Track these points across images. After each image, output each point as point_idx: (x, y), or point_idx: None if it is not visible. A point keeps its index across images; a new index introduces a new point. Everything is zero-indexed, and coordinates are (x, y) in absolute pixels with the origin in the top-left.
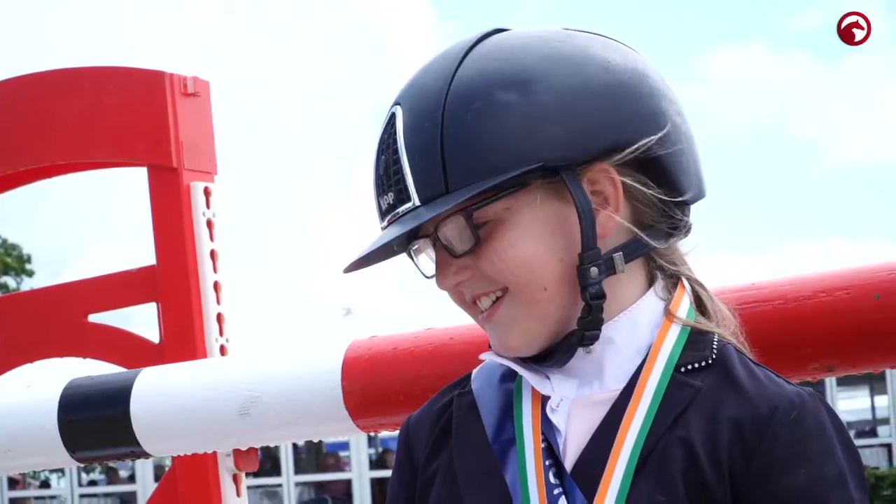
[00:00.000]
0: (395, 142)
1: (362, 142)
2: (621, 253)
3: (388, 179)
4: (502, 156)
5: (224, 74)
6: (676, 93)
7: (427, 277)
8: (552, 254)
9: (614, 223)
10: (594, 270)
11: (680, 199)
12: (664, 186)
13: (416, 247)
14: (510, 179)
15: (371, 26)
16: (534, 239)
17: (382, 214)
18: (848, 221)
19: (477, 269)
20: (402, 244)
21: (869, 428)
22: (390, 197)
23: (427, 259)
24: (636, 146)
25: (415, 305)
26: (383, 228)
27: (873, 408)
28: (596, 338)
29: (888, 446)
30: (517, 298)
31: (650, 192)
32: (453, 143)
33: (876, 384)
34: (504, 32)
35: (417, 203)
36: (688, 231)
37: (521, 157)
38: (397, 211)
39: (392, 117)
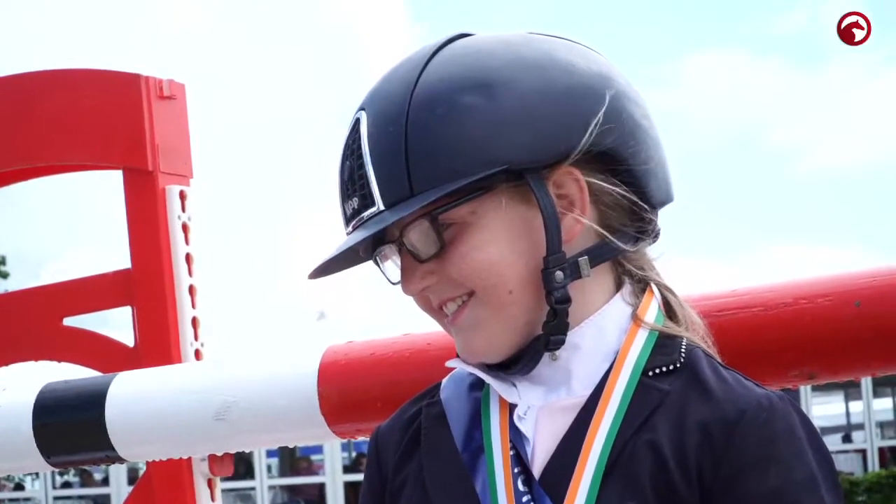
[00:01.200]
0: (359, 147)
1: (337, 144)
2: (587, 257)
3: (352, 185)
4: (466, 159)
5: (199, 78)
6: (643, 96)
7: (393, 284)
8: (517, 257)
9: (580, 226)
10: (559, 274)
11: (647, 202)
12: (631, 188)
13: (381, 253)
14: (474, 182)
15: (346, 28)
16: (499, 242)
17: (347, 220)
18: (823, 227)
19: (442, 273)
20: (367, 250)
21: (844, 433)
22: (355, 202)
23: (393, 265)
24: (604, 158)
25: (389, 310)
26: (348, 234)
27: (848, 413)
28: (562, 342)
29: (863, 452)
30: (483, 302)
31: (617, 193)
32: (417, 146)
33: (850, 390)
34: (468, 37)
35: (382, 207)
36: (656, 236)
37: (484, 161)
38: (362, 216)
39: (356, 122)
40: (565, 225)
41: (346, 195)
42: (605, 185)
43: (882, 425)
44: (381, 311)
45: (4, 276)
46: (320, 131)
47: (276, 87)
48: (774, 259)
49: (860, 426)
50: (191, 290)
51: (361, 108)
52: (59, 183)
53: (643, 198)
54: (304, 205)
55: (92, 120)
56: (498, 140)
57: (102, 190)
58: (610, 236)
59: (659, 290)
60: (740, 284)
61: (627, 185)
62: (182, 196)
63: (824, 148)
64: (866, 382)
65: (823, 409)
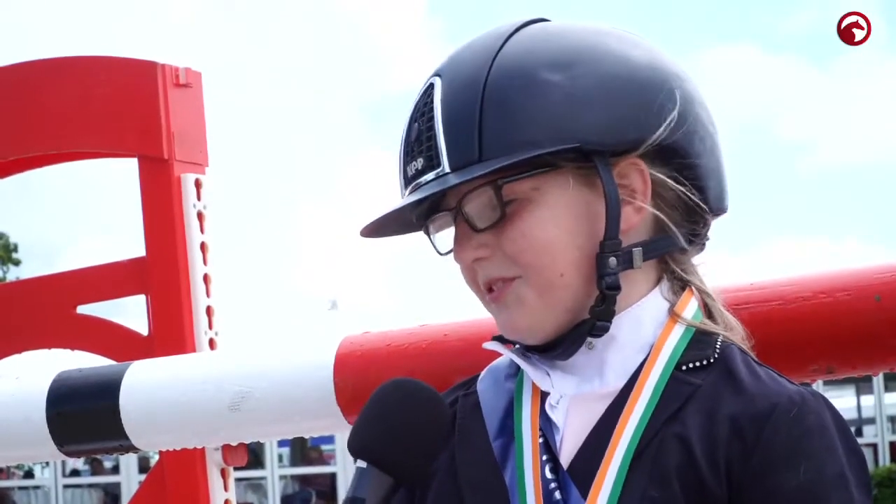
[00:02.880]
0: (430, 109)
1: (351, 135)
2: (641, 249)
3: (419, 145)
4: (540, 132)
5: (215, 66)
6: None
7: (441, 254)
8: (573, 240)
9: (639, 219)
10: (612, 260)
11: (705, 203)
12: (692, 188)
13: (434, 222)
14: (543, 155)
15: (361, 19)
16: (558, 222)
17: (408, 181)
18: (832, 221)
19: (497, 247)
20: (421, 216)
21: (855, 428)
22: (419, 163)
23: (443, 236)
24: (672, 154)
25: (400, 300)
26: (410, 193)
27: (859, 408)
28: (606, 329)
29: (874, 446)
30: (531, 282)
31: (679, 190)
32: (492, 113)
33: (862, 384)
34: (547, 22)
35: (447, 169)
36: (703, 246)
37: (557, 136)
38: (424, 177)
39: (430, 87)
40: (624, 214)
41: (409, 156)
42: (668, 181)
43: (893, 420)
44: (392, 301)
45: (16, 263)
46: (335, 122)
47: (291, 78)
48: (783, 252)
49: (871, 420)
50: (205, 278)
51: (436, 74)
52: (75, 170)
53: (702, 200)
54: (318, 194)
55: (107, 107)
56: (573, 118)
57: (118, 178)
58: (672, 229)
59: (699, 294)
60: (756, 278)
61: (689, 184)
62: (197, 184)
63: (835, 143)
64: (878, 377)
65: (835, 403)
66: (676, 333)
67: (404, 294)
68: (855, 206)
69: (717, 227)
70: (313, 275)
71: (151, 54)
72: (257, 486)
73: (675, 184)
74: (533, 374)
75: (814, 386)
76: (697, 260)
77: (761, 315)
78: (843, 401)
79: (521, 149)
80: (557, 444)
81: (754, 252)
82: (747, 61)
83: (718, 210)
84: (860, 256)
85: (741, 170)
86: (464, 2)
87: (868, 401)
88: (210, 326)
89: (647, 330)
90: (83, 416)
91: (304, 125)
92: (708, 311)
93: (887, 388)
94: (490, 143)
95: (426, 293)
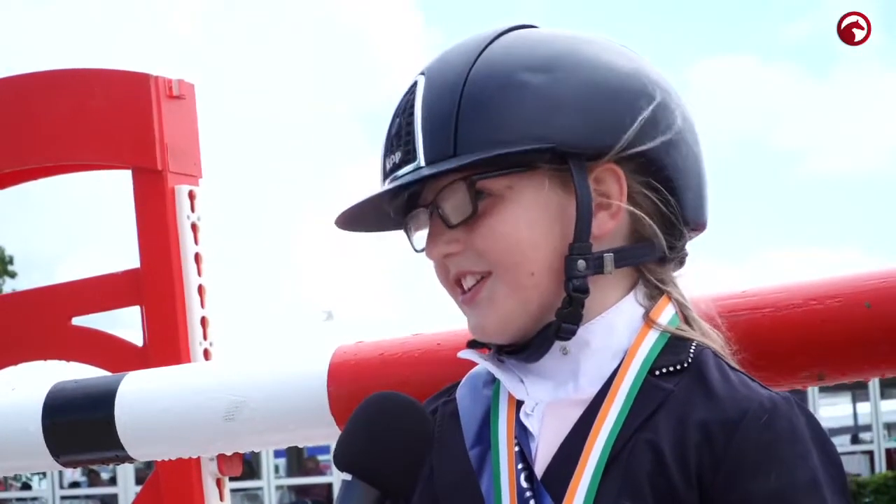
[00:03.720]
0: (412, 105)
1: (348, 146)
2: (612, 255)
3: (398, 139)
4: (515, 131)
5: (208, 79)
6: (697, 123)
7: (417, 251)
8: (545, 240)
9: (613, 224)
10: (581, 263)
11: (682, 215)
12: (669, 198)
13: (413, 220)
14: (518, 153)
15: (358, 31)
16: (530, 222)
17: (385, 175)
18: (827, 230)
19: (468, 243)
20: (399, 211)
21: (851, 435)
22: (396, 156)
23: (421, 235)
24: (648, 161)
25: (396, 310)
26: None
27: (855, 415)
28: (573, 332)
29: (870, 453)
30: (501, 280)
31: (654, 198)
32: (469, 109)
33: (858, 391)
34: (532, 28)
35: (422, 163)
36: (682, 260)
37: (532, 136)
38: (401, 171)
39: (414, 84)
40: (598, 220)
41: (389, 150)
42: (643, 189)
43: (889, 426)
44: (387, 312)
45: (12, 275)
46: (331, 133)
47: (287, 89)
48: (779, 260)
49: (868, 427)
50: (200, 289)
51: (421, 73)
52: (70, 183)
53: (679, 211)
54: (312, 205)
55: (101, 120)
56: (549, 119)
57: (112, 190)
58: (648, 236)
59: (676, 303)
60: (748, 286)
61: (664, 196)
62: (191, 196)
63: (830, 151)
64: (874, 383)
65: (831, 410)
66: (651, 339)
67: (400, 305)
68: (853, 214)
69: (712, 237)
70: (309, 286)
71: (148, 66)
72: (254, 497)
73: (651, 192)
74: (507, 382)
75: (809, 393)
76: (678, 272)
77: (752, 322)
78: (839, 408)
79: (496, 146)
80: (533, 452)
81: (751, 261)
82: (745, 71)
83: (696, 224)
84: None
85: (738, 179)
86: (461, 13)
87: (864, 408)
88: (205, 337)
89: (620, 335)
90: (79, 426)
91: (302, 135)
92: (685, 320)
93: (883, 395)
94: (465, 139)
95: (422, 304)
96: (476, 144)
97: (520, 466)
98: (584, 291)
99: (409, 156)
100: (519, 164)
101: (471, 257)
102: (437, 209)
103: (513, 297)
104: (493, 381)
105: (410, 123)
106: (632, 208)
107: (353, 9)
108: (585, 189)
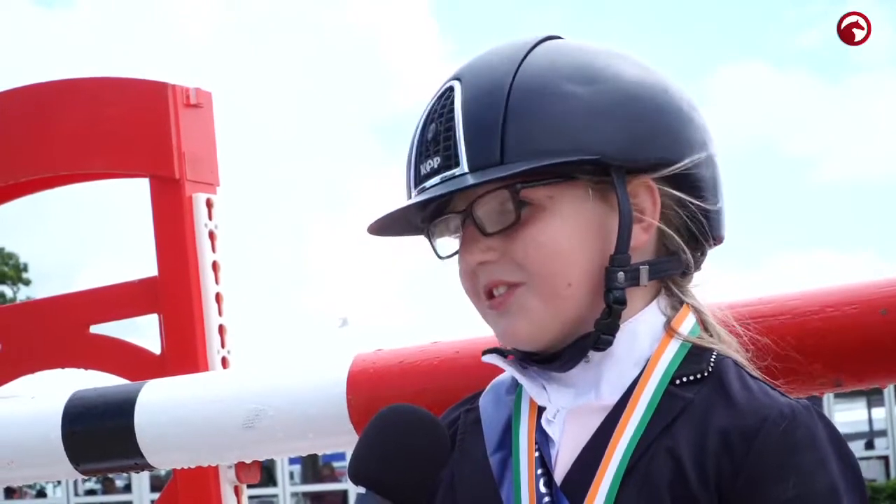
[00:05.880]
0: (451, 111)
1: (362, 155)
2: (648, 267)
3: (435, 145)
4: (562, 141)
5: (225, 87)
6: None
7: (441, 258)
8: (583, 252)
9: (646, 238)
10: (621, 275)
11: (709, 229)
12: (698, 213)
13: (438, 225)
14: (563, 164)
15: (372, 39)
16: (570, 233)
17: (420, 180)
18: (841, 235)
19: (505, 252)
20: (426, 218)
21: (866, 440)
22: (435, 161)
23: (446, 241)
24: (683, 162)
25: (411, 317)
26: (418, 193)
27: (870, 420)
28: (610, 342)
29: (885, 458)
30: (536, 290)
31: (686, 216)
32: (516, 118)
33: (873, 397)
34: (563, 39)
35: (465, 169)
36: (698, 267)
37: (579, 146)
38: (438, 177)
39: (449, 90)
40: (634, 232)
41: (424, 155)
42: (677, 207)
43: None
44: (402, 318)
45: (26, 282)
46: (346, 141)
47: (302, 97)
48: (794, 266)
49: (883, 433)
50: (217, 297)
51: (455, 79)
52: (87, 191)
53: (704, 227)
54: (329, 213)
55: (119, 128)
56: (594, 130)
57: (129, 198)
58: (679, 251)
59: (695, 311)
60: (764, 292)
61: (694, 213)
62: (209, 204)
63: (844, 157)
64: (889, 389)
65: (846, 415)
66: (672, 348)
67: (415, 311)
68: (867, 219)
69: (727, 242)
70: (325, 292)
71: (165, 74)
72: None
73: (681, 209)
74: (530, 387)
75: (824, 399)
76: (694, 280)
77: (769, 329)
78: (855, 413)
79: (543, 156)
80: (553, 459)
81: (766, 266)
82: (759, 78)
83: (718, 238)
84: (873, 271)
85: (753, 185)
86: (475, 23)
87: (879, 413)
88: (223, 345)
89: (643, 344)
90: (99, 434)
91: (317, 145)
92: (705, 327)
93: None
94: (512, 147)
95: (437, 311)
96: (523, 153)
97: (539, 472)
98: (623, 303)
99: (450, 161)
100: (561, 175)
101: (507, 266)
102: (472, 216)
103: (548, 306)
104: (516, 388)
105: (450, 129)
106: (662, 225)
107: (367, 17)
108: (627, 202)
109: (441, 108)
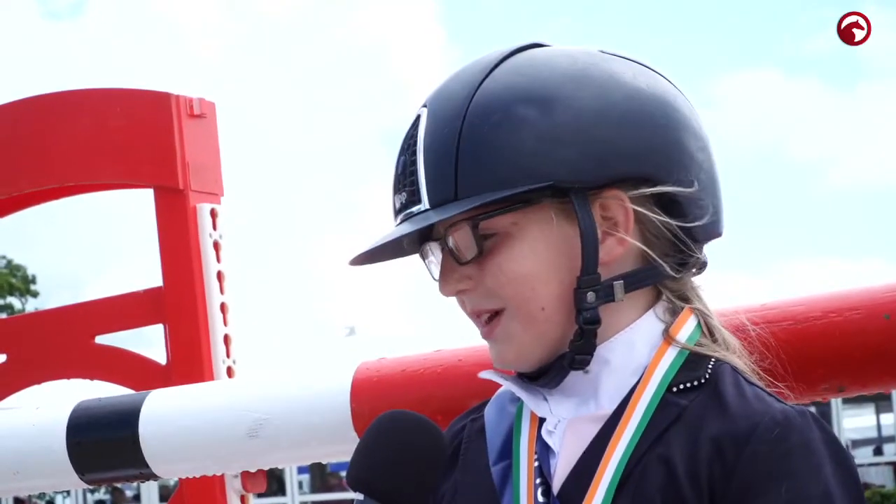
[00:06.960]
0: (415, 143)
1: (367, 164)
2: (622, 281)
3: (403, 179)
4: (513, 170)
5: (229, 96)
6: (705, 127)
7: (435, 279)
8: (553, 274)
9: (622, 250)
10: (591, 295)
11: (691, 235)
12: (677, 219)
13: (426, 249)
14: (517, 195)
15: (379, 48)
16: (537, 257)
17: (396, 212)
18: (849, 241)
19: (479, 280)
20: (412, 244)
21: (875, 446)
22: (403, 196)
23: (436, 263)
24: (653, 188)
25: (418, 326)
26: (396, 226)
27: (879, 426)
28: (587, 362)
29: (894, 465)
30: (515, 316)
31: (660, 222)
32: (467, 151)
33: (881, 403)
34: (540, 48)
35: (427, 206)
36: (702, 267)
37: (531, 174)
38: (410, 211)
39: (417, 118)
40: (606, 246)
41: (397, 188)
42: (649, 213)
43: None
44: (409, 327)
45: (34, 294)
46: (352, 150)
47: (310, 106)
48: (801, 272)
49: (891, 439)
50: (222, 307)
51: (424, 105)
52: (91, 202)
53: (688, 230)
54: (333, 222)
55: (123, 139)
56: (547, 155)
57: (134, 209)
58: (657, 260)
59: (700, 316)
60: (768, 298)
61: (674, 215)
62: (213, 214)
63: (852, 163)
64: None
65: (854, 421)
66: (670, 355)
67: (422, 321)
68: (875, 226)
69: (734, 248)
70: (332, 302)
71: (169, 85)
72: None
73: (656, 216)
74: (530, 401)
75: (832, 404)
76: (699, 280)
77: (773, 335)
78: (863, 419)
79: (495, 188)
80: (552, 468)
81: (773, 273)
82: (769, 85)
83: (708, 237)
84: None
85: (761, 191)
86: (483, 29)
87: (888, 419)
88: (228, 355)
89: (640, 353)
90: (103, 444)
91: (323, 152)
92: (709, 330)
93: None
94: (465, 181)
95: (444, 320)
96: (476, 186)
97: (538, 481)
98: (596, 322)
99: (414, 197)
100: (521, 201)
101: (483, 294)
102: (447, 245)
103: (528, 331)
104: (518, 399)
105: (413, 164)
106: (636, 238)
107: (374, 25)
108: (589, 221)
109: (409, 139)
